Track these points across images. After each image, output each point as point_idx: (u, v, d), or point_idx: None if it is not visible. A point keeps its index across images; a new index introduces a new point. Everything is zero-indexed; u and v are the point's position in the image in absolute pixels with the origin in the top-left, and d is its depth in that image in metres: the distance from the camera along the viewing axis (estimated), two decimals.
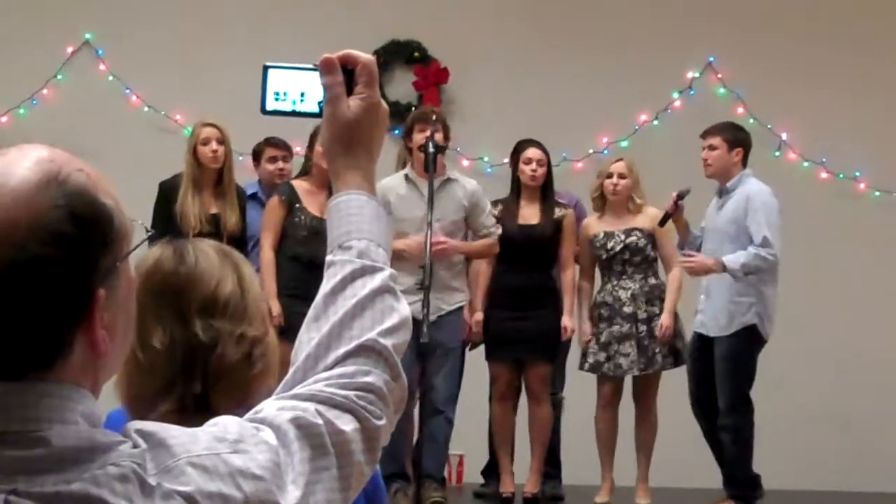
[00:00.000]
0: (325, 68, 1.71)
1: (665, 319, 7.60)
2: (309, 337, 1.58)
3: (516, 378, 7.77)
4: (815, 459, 9.10)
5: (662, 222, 7.61)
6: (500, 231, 7.55)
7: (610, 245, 7.75)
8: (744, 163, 7.55)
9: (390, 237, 1.70)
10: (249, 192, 7.93)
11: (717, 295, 7.38)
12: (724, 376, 7.31)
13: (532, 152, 7.76)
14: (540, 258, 7.72)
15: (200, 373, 2.03)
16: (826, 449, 9.19)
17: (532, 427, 7.78)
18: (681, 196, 7.50)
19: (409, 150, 7.51)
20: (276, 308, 7.00)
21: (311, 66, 1.77)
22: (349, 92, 1.72)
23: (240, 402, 2.01)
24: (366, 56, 1.73)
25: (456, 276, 7.48)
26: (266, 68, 1.82)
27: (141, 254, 1.49)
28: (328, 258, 1.65)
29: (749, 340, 7.32)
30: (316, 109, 1.79)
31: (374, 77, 1.73)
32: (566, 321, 7.69)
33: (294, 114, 1.81)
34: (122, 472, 1.30)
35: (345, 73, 1.71)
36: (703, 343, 7.43)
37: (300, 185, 7.44)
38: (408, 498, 7.13)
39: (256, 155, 8.28)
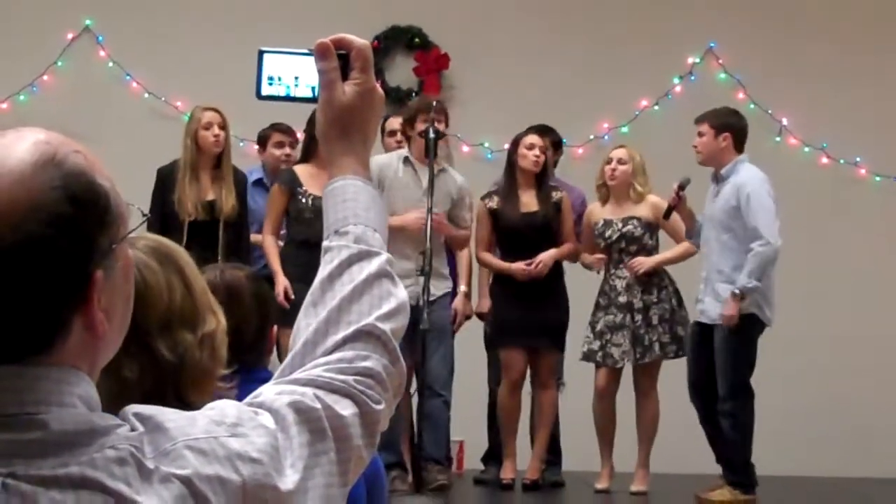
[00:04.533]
0: (319, 53, 1.71)
1: (645, 260, 7.65)
2: (307, 323, 1.58)
3: (526, 366, 7.78)
4: (814, 445, 9.11)
5: (667, 215, 7.61)
6: (470, 230, 7.68)
7: (608, 233, 7.76)
8: (737, 148, 7.48)
9: (385, 221, 1.70)
10: (254, 177, 7.92)
11: (713, 283, 7.37)
12: (724, 363, 7.31)
13: (534, 138, 7.76)
14: (545, 244, 7.72)
15: (172, 390, 2.02)
16: (825, 435, 9.20)
17: (538, 414, 7.80)
18: (681, 187, 7.49)
19: (407, 137, 7.53)
20: (279, 285, 7.04)
21: (305, 50, 1.77)
22: (344, 77, 1.71)
23: (209, 396, 2.02)
24: (360, 41, 1.72)
25: (443, 263, 7.51)
26: (261, 53, 1.82)
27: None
28: (324, 244, 1.65)
29: (749, 328, 7.32)
30: (311, 94, 1.78)
31: (370, 62, 1.72)
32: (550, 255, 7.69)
33: (289, 99, 1.81)
34: (119, 456, 1.30)
35: (339, 58, 1.71)
36: (703, 331, 7.43)
37: (302, 170, 7.44)
38: (406, 483, 7.14)
39: (262, 140, 8.25)
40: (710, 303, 7.39)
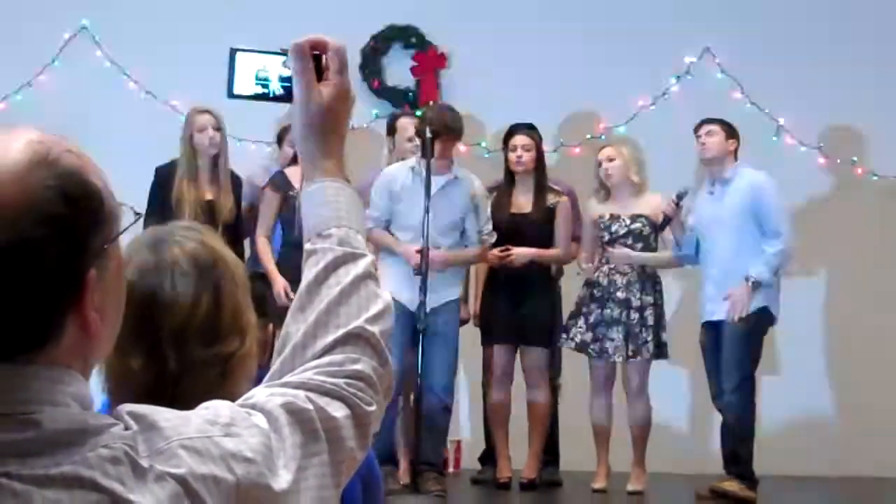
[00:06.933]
0: (294, 54, 1.70)
1: (631, 253, 7.65)
2: (296, 328, 1.58)
3: (512, 363, 7.78)
4: (813, 445, 9.10)
5: (662, 226, 7.65)
6: (493, 238, 7.54)
7: (614, 228, 7.77)
8: (735, 156, 7.61)
9: (363, 222, 1.70)
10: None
11: (729, 282, 7.37)
12: (733, 357, 7.34)
13: (518, 139, 7.78)
14: (531, 246, 7.70)
15: (169, 396, 2.01)
16: (824, 434, 9.20)
17: (531, 413, 7.79)
18: (679, 198, 7.53)
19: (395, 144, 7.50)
20: (279, 285, 7.06)
21: (279, 50, 1.76)
22: (318, 78, 1.71)
23: None
24: (336, 41, 1.72)
25: (454, 269, 7.47)
26: (233, 52, 1.80)
27: (129, 237, 1.48)
28: (307, 247, 1.65)
29: (761, 322, 7.40)
30: (284, 94, 1.78)
31: (345, 63, 1.72)
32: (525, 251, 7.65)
33: (262, 98, 1.80)
34: (113, 455, 1.30)
35: (313, 59, 1.70)
36: (715, 332, 7.44)
37: (293, 172, 7.42)
38: (396, 481, 7.14)
39: (282, 139, 8.17)
40: (725, 304, 7.40)
